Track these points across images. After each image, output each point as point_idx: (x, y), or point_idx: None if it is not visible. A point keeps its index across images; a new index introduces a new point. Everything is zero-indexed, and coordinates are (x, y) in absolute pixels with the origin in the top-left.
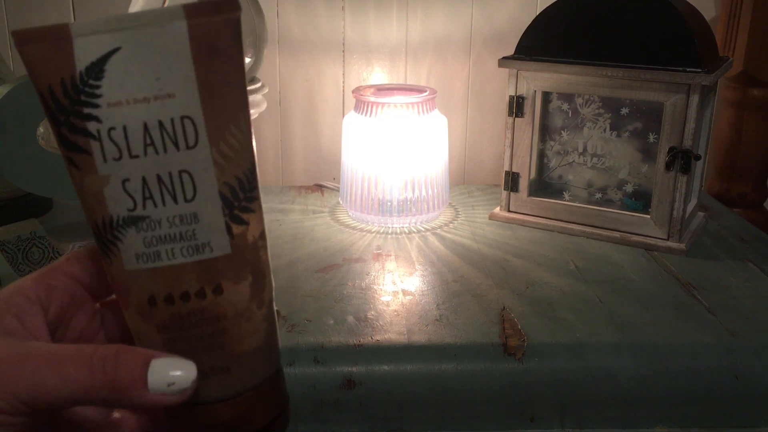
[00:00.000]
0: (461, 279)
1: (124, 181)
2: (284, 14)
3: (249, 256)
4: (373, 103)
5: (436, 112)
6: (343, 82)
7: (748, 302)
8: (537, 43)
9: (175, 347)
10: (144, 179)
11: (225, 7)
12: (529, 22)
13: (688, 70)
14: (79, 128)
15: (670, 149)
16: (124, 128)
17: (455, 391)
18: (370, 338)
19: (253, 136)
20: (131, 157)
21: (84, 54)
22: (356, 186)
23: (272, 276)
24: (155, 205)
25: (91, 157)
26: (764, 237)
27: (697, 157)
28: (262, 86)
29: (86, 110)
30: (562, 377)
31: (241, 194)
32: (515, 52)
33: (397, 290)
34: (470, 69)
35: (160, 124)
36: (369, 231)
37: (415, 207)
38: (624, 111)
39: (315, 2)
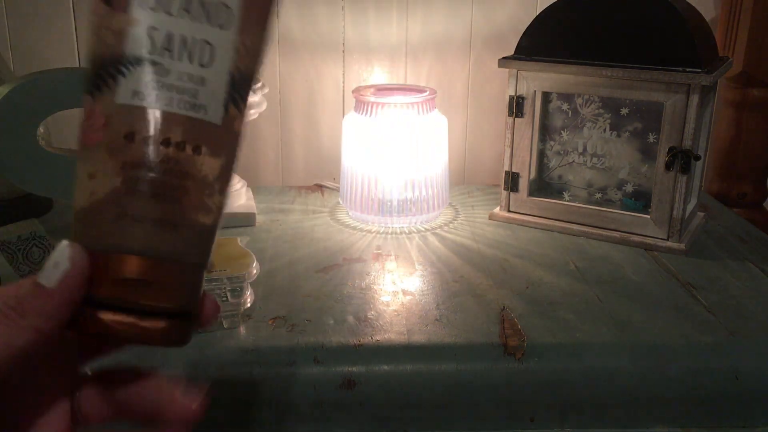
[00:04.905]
0: (461, 279)
1: (151, 27)
2: (284, 14)
3: (229, 141)
4: (373, 103)
5: (436, 112)
6: (343, 82)
7: (748, 302)
8: (537, 43)
9: (135, 186)
10: (169, 33)
11: None
12: (529, 22)
13: (687, 70)
14: None
15: (670, 149)
16: None
17: (455, 391)
18: (370, 338)
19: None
20: (164, 12)
21: None
22: (356, 186)
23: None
24: (171, 58)
25: None
26: (764, 237)
27: (697, 157)
28: (262, 86)
29: None
30: (562, 377)
31: (245, 85)
32: (515, 52)
33: (397, 290)
34: (470, 69)
35: (202, 1)
36: (369, 231)
37: (415, 207)
38: (624, 111)
39: (315, 2)
